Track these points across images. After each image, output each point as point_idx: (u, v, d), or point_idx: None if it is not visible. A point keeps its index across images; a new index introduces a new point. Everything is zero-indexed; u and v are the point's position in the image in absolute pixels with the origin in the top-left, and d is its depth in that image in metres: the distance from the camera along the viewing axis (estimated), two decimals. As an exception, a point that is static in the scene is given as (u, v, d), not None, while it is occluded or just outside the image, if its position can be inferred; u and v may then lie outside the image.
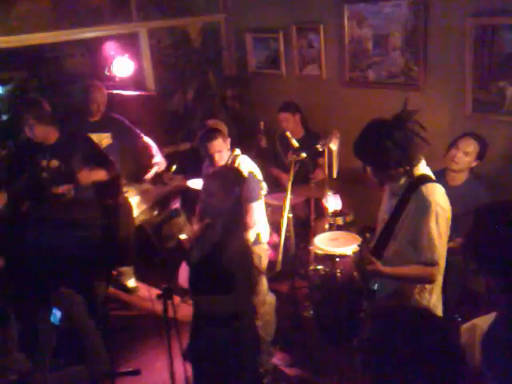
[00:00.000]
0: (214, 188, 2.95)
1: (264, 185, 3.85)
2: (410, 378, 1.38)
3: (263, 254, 3.82)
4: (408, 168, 2.56)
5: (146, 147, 4.78)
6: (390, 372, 1.40)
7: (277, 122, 5.04)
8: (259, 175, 3.82)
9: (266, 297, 3.74)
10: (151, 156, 4.73)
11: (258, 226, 3.76)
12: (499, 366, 1.73)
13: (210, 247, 2.96)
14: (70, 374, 2.30)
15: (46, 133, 3.96)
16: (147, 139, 4.81)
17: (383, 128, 2.55)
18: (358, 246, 2.57)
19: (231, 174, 3.18)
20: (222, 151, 3.72)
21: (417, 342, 1.40)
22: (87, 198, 4.06)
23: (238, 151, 3.88)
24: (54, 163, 3.98)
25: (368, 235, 2.57)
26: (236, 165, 3.76)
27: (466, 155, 3.67)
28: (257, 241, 3.72)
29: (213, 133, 3.74)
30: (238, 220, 3.02)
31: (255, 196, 3.69)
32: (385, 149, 2.50)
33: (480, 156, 3.72)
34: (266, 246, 3.89)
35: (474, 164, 3.74)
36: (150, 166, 4.74)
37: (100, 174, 4.09)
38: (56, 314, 2.48)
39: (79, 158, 4.00)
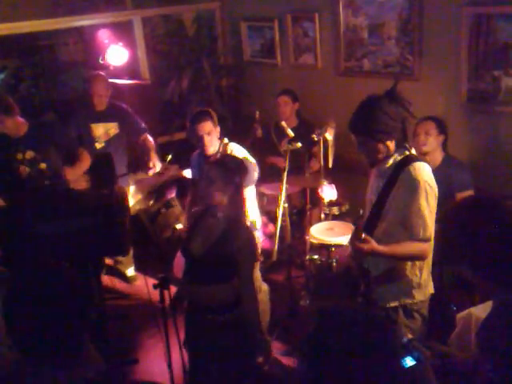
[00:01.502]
0: (215, 176, 2.95)
1: (257, 168, 3.85)
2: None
3: (258, 241, 3.84)
4: (397, 142, 2.64)
5: (147, 145, 4.75)
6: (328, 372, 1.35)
7: (275, 107, 5.03)
8: (251, 159, 3.82)
9: (260, 284, 3.76)
10: (149, 158, 4.67)
11: (252, 213, 3.76)
12: (496, 357, 1.76)
13: (216, 237, 2.95)
14: None
15: (15, 125, 3.97)
16: (150, 138, 4.78)
17: (377, 100, 2.65)
18: (354, 223, 2.60)
19: (232, 162, 3.19)
20: (211, 134, 3.71)
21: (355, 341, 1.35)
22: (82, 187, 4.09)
23: (226, 140, 3.89)
24: (30, 154, 3.98)
25: (362, 211, 2.61)
26: (228, 152, 3.76)
27: (427, 135, 3.78)
28: (252, 227, 3.73)
29: (202, 115, 3.75)
30: (240, 208, 3.03)
31: (251, 180, 3.69)
32: (378, 118, 2.59)
33: (442, 130, 3.82)
34: (259, 233, 3.90)
35: (440, 138, 3.82)
36: (147, 167, 4.70)
37: (82, 167, 4.14)
38: None
39: (53, 148, 4.04)
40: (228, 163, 3.13)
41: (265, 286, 3.86)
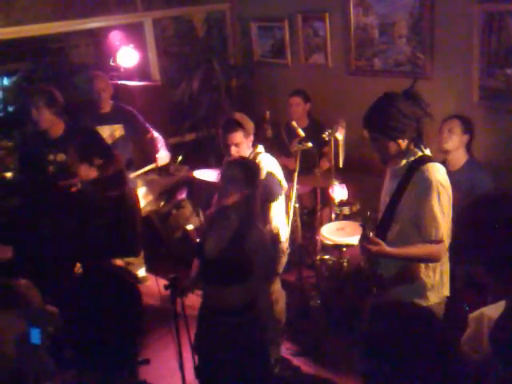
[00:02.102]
0: (233, 175, 2.94)
1: (284, 184, 3.73)
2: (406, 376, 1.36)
3: (282, 254, 3.72)
4: (411, 141, 2.62)
5: (153, 142, 4.77)
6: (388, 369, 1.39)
7: (286, 107, 5.03)
8: (279, 175, 3.69)
9: (277, 296, 3.72)
10: (156, 151, 4.71)
11: (277, 225, 3.69)
12: (509, 356, 1.73)
13: (228, 239, 2.95)
14: None
15: (51, 122, 3.96)
16: (156, 134, 4.80)
17: (393, 97, 2.64)
18: (361, 225, 2.57)
19: (252, 164, 3.18)
20: (240, 145, 3.55)
21: (415, 340, 1.38)
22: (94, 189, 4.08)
23: (260, 148, 3.74)
24: (61, 157, 3.99)
25: (369, 213, 2.59)
26: (256, 162, 3.66)
27: (450, 133, 3.70)
28: (276, 239, 3.64)
29: (233, 124, 3.55)
30: (253, 212, 3.01)
31: (273, 196, 3.59)
32: (391, 115, 2.57)
33: (467, 129, 3.74)
34: (286, 245, 3.76)
35: (464, 138, 3.73)
36: (153, 160, 4.73)
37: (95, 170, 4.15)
38: (35, 334, 2.33)
39: (77, 150, 4.03)
40: (247, 164, 3.11)
41: (282, 293, 3.81)
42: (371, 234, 2.53)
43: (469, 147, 3.79)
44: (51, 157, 3.98)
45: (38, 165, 4.01)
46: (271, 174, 3.59)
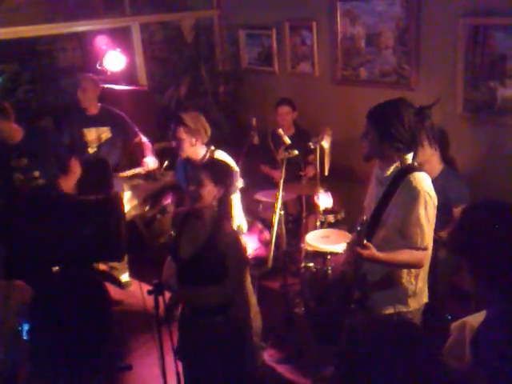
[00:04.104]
0: (206, 178, 2.98)
1: (240, 178, 3.86)
2: None
3: (245, 245, 3.84)
4: (404, 152, 2.65)
5: (141, 146, 4.79)
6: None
7: (273, 114, 5.05)
8: (236, 168, 3.82)
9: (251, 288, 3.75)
10: (143, 156, 4.74)
11: (238, 218, 3.78)
12: (490, 365, 1.75)
13: (203, 240, 2.97)
14: None
15: (11, 130, 3.99)
16: (144, 139, 4.82)
17: (406, 106, 2.64)
18: (357, 229, 2.60)
19: (222, 165, 3.23)
20: (182, 141, 3.73)
21: (402, 355, 1.39)
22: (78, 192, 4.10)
23: (213, 147, 3.89)
24: (24, 161, 3.99)
25: (365, 218, 2.62)
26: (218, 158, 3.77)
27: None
28: (239, 231, 3.73)
29: (177, 119, 3.76)
30: (226, 212, 3.06)
31: (234, 188, 3.71)
32: (397, 121, 2.59)
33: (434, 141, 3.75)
34: (247, 238, 3.89)
35: (432, 151, 3.71)
36: (140, 164, 4.76)
37: (74, 178, 4.20)
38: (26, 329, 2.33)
39: (48, 156, 4.07)
40: (218, 166, 3.18)
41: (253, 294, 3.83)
42: (365, 240, 2.56)
43: (443, 157, 3.81)
44: (14, 162, 3.99)
45: (1, 172, 4.03)
46: (229, 166, 3.67)
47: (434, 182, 3.62)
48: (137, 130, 4.82)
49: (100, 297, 1.77)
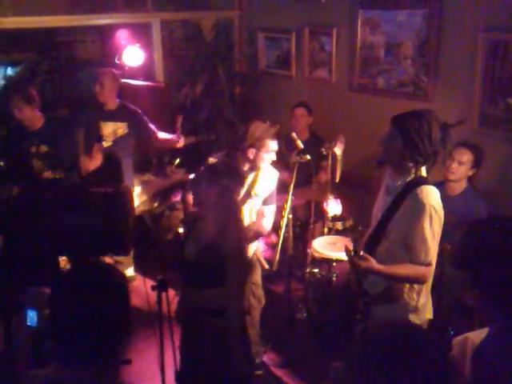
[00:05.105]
0: (200, 178, 2.99)
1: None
2: None
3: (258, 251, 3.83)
4: (421, 164, 2.61)
5: (162, 138, 4.81)
6: None
7: (288, 118, 5.05)
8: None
9: (261, 292, 3.74)
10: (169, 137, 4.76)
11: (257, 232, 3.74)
12: (489, 381, 1.74)
13: (206, 241, 2.97)
14: None
15: (33, 117, 4.08)
16: (161, 135, 4.83)
17: (434, 119, 2.60)
18: (353, 240, 2.58)
19: (220, 166, 3.21)
20: None
21: (405, 360, 1.39)
22: (87, 184, 4.11)
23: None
24: (43, 149, 4.05)
25: (361, 230, 2.60)
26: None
27: (460, 165, 3.69)
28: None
29: None
30: (231, 214, 3.03)
31: (271, 200, 3.67)
32: (423, 132, 2.54)
33: (476, 164, 3.74)
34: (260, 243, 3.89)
35: (470, 173, 3.75)
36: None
37: (97, 160, 4.18)
38: (31, 316, 2.37)
39: (68, 143, 4.11)
40: (215, 166, 3.16)
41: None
42: (361, 251, 2.54)
43: (471, 178, 3.80)
44: (33, 149, 4.05)
45: (21, 158, 4.08)
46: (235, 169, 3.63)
47: (456, 198, 3.65)
48: (154, 128, 4.83)
49: (120, 288, 1.78)
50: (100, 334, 1.67)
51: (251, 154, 3.43)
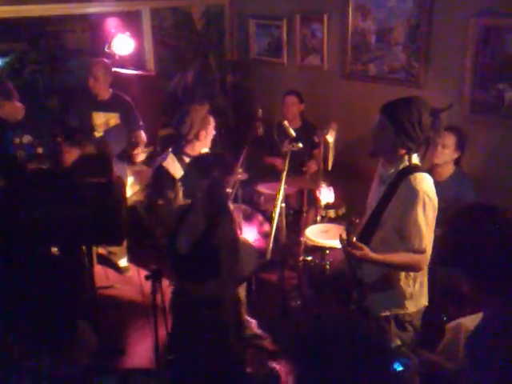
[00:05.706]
0: (188, 169, 2.98)
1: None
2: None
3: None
4: (413, 152, 2.61)
5: (138, 139, 4.80)
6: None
7: (281, 105, 5.03)
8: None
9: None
10: (137, 150, 4.76)
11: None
12: (483, 368, 1.75)
13: (199, 233, 2.95)
14: None
15: (14, 109, 4.05)
16: (143, 135, 4.84)
17: (423, 106, 2.58)
18: (346, 229, 2.57)
19: (209, 157, 3.20)
20: None
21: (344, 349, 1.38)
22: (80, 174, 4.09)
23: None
24: (27, 138, 4.04)
25: (354, 218, 2.59)
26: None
27: (444, 148, 3.70)
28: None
29: None
30: (222, 205, 3.02)
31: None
32: (413, 119, 2.53)
33: (460, 146, 3.75)
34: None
35: (455, 155, 3.76)
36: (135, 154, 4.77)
37: (79, 151, 4.18)
38: None
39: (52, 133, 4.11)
40: (203, 158, 3.15)
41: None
42: (354, 239, 2.53)
43: (457, 161, 3.82)
44: (16, 140, 4.03)
45: (4, 150, 4.07)
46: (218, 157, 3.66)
47: (444, 183, 3.65)
48: (141, 124, 4.81)
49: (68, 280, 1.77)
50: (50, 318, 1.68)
51: (203, 136, 3.77)
